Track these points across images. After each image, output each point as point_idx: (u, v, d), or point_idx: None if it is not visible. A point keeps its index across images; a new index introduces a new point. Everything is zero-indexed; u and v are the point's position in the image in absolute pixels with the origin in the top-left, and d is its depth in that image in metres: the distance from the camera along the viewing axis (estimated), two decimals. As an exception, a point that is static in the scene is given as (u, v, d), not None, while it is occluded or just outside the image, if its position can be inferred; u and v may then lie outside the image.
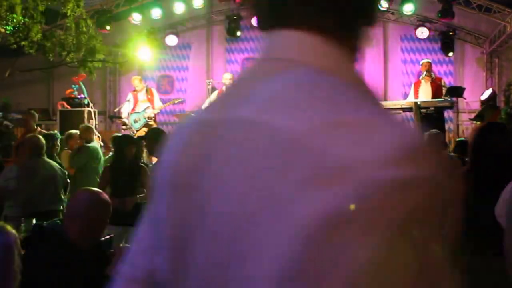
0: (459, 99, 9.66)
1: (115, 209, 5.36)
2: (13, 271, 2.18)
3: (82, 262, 2.67)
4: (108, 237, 3.06)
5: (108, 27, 11.12)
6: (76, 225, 2.69)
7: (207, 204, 0.64)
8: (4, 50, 7.52)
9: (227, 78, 9.99)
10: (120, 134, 7.31)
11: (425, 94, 9.52)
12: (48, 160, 5.56)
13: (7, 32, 7.47)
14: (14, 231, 2.31)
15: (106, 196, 2.89)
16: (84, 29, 7.69)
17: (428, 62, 9.90)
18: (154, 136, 5.58)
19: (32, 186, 5.22)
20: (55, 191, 5.45)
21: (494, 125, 3.49)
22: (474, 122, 10.55)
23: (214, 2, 12.30)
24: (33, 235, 3.11)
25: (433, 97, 9.45)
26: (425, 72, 9.56)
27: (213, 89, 11.42)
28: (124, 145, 5.65)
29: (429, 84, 9.54)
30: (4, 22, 6.98)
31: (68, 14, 7.93)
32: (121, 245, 2.68)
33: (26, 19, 7.21)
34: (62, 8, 7.89)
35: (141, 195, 5.57)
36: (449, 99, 9.38)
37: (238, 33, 12.32)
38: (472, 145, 3.02)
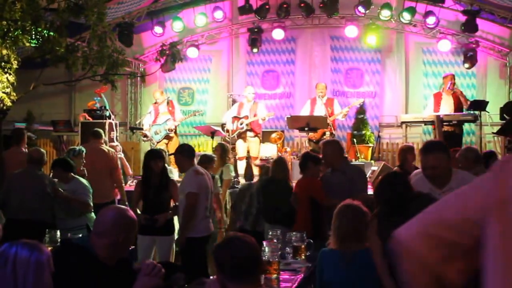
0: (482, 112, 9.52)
1: (145, 225, 5.46)
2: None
3: (108, 278, 2.67)
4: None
5: (130, 43, 11.25)
6: (102, 242, 2.69)
7: None
8: (29, 63, 7.60)
9: (249, 92, 10.01)
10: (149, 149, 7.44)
11: (447, 107, 9.40)
12: (39, 172, 5.81)
13: (32, 45, 7.55)
14: (48, 249, 2.31)
15: (132, 213, 2.88)
16: (107, 43, 7.73)
17: (452, 75, 9.78)
18: (187, 153, 5.59)
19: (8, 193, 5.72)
20: (39, 202, 5.61)
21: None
22: (497, 136, 10.41)
23: (235, 15, 12.35)
24: (61, 249, 3.11)
25: (455, 110, 9.34)
26: (448, 85, 9.42)
27: (234, 101, 11.43)
28: (151, 160, 5.69)
29: (451, 97, 9.42)
30: (28, 36, 7.04)
31: (91, 27, 8.00)
32: (147, 261, 2.66)
33: (51, 33, 7.28)
34: (85, 21, 7.95)
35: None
36: (472, 112, 9.26)
37: (259, 46, 12.31)
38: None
